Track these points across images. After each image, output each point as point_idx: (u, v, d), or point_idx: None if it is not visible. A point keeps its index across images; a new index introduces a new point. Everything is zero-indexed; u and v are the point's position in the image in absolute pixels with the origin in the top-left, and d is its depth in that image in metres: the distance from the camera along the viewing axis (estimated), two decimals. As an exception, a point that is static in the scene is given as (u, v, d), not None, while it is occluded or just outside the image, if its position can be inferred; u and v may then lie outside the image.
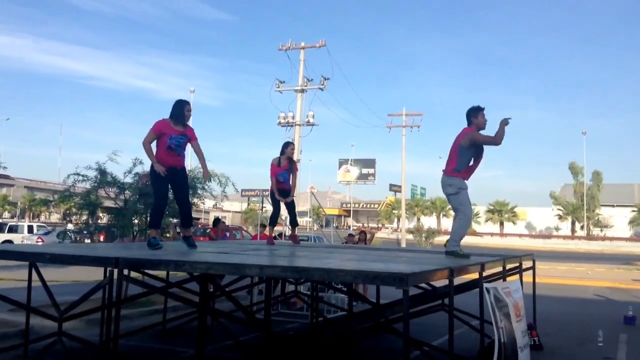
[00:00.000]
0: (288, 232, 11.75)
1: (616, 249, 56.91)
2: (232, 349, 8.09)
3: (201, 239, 26.92)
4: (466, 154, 7.29)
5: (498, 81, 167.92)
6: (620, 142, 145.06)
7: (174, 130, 7.20)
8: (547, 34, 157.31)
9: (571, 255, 45.26)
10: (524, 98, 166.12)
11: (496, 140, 7.20)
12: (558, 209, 74.68)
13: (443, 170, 7.48)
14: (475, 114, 7.40)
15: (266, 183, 10.08)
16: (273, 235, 10.49)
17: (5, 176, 75.91)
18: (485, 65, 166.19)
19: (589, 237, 69.06)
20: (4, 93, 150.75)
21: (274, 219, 10.19)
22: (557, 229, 76.41)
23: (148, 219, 12.85)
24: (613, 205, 76.76)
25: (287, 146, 9.85)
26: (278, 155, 9.75)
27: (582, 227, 72.74)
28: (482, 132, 7.36)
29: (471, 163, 7.47)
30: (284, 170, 9.73)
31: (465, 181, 7.39)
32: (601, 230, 74.07)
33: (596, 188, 73.35)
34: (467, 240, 8.14)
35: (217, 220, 16.84)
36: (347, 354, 8.52)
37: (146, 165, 12.52)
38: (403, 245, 43.79)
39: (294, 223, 10.33)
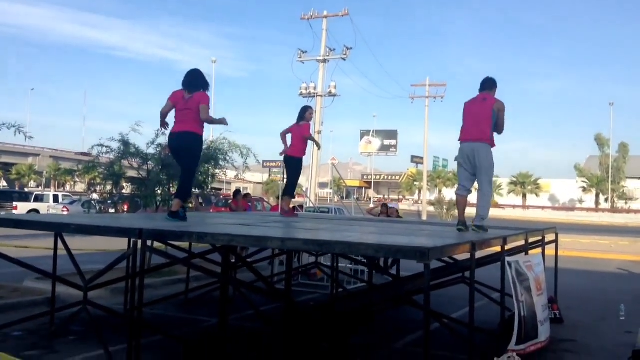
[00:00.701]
0: (309, 203, 11.75)
1: (641, 222, 56.23)
2: (253, 319, 8.19)
3: (222, 209, 27.14)
4: (493, 121, 7.17)
5: (523, 49, 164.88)
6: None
7: None
8: (574, 2, 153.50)
9: (595, 228, 44.83)
10: (549, 66, 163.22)
11: (502, 129, 7.26)
12: (582, 181, 73.84)
13: (476, 137, 7.20)
14: (495, 87, 7.43)
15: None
16: (293, 206, 10.41)
17: (86, 153, 76.95)
18: (511, 33, 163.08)
19: (613, 209, 68.29)
20: (29, 63, 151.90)
21: (294, 187, 10.08)
22: (580, 201, 75.63)
23: (171, 189, 13.01)
24: (639, 178, 75.66)
25: (307, 110, 9.88)
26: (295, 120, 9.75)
27: (606, 200, 71.92)
28: None
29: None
30: None
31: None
32: (626, 203, 73.18)
33: (622, 160, 72.30)
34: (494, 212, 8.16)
35: (237, 192, 16.93)
36: (368, 325, 8.58)
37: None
38: (424, 217, 43.70)
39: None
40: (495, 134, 7.28)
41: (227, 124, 7.50)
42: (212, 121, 7.34)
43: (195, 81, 7.20)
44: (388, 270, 11.16)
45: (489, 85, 7.44)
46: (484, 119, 7.15)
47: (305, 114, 9.77)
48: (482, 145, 7.15)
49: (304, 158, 10.11)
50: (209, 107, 7.11)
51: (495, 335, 7.15)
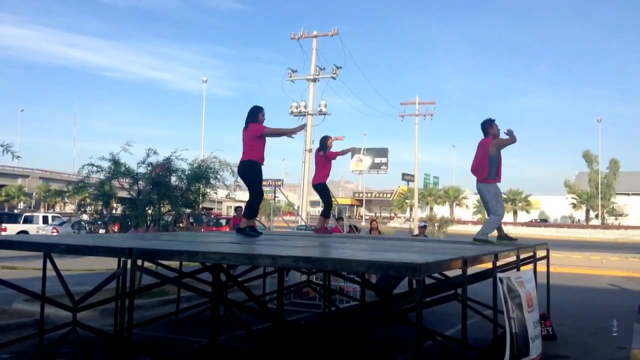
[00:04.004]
0: (301, 222, 11.82)
1: (631, 238, 56.28)
2: (245, 339, 8.13)
3: (214, 229, 27.02)
4: (494, 161, 8.29)
5: (513, 67, 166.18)
6: (637, 129, 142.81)
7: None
8: (561, 19, 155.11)
9: (585, 244, 44.93)
10: (538, 84, 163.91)
11: (514, 140, 8.32)
12: (572, 198, 74.09)
13: (478, 179, 8.43)
14: (490, 125, 8.44)
15: (277, 173, 10.17)
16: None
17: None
18: (500, 51, 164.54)
19: (604, 225, 68.51)
20: (18, 84, 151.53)
21: (328, 209, 10.59)
22: (571, 217, 75.86)
23: (161, 209, 12.97)
24: (628, 194, 76.08)
25: (327, 139, 10.27)
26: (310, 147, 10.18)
27: (596, 216, 72.17)
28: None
29: (498, 165, 8.38)
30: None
31: (498, 184, 8.41)
32: (616, 219, 73.46)
33: (612, 176, 72.57)
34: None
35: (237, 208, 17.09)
36: (360, 344, 8.53)
37: (160, 156, 12.61)
38: (415, 234, 43.61)
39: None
40: (498, 169, 8.40)
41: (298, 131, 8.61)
42: (272, 133, 8.15)
43: (248, 116, 8.11)
44: (392, 290, 11.18)
45: (484, 129, 8.51)
46: (482, 163, 8.35)
47: (326, 142, 10.13)
48: (482, 186, 8.39)
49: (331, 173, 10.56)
50: (262, 127, 7.98)
51: (489, 352, 7.12)
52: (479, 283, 7.17)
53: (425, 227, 16.09)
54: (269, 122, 8.29)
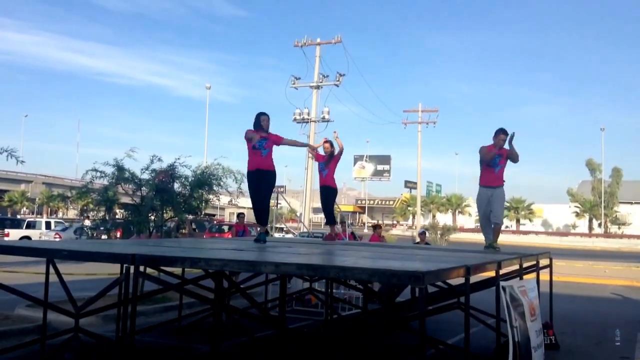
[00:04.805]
0: (303, 228, 11.77)
1: (634, 247, 56.11)
2: (247, 346, 8.11)
3: (216, 235, 27.00)
4: (481, 167, 9.01)
5: (516, 75, 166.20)
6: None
7: (257, 136, 8.26)
8: (565, 28, 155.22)
9: (588, 253, 44.82)
10: (542, 92, 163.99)
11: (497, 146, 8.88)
12: (575, 206, 73.91)
13: None
14: (495, 135, 8.92)
15: (280, 180, 10.18)
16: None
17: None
18: (504, 60, 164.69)
19: (607, 234, 68.30)
20: (22, 90, 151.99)
21: (329, 215, 10.43)
22: (574, 226, 75.67)
23: (164, 215, 12.99)
24: (631, 203, 75.87)
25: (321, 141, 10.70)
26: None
27: (599, 225, 71.96)
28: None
29: (482, 170, 9.00)
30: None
31: (483, 187, 9.01)
32: (619, 228, 73.24)
33: (616, 185, 72.38)
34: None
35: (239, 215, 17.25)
36: (362, 352, 8.51)
37: (164, 163, 12.64)
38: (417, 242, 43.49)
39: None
40: (481, 175, 9.14)
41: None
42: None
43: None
44: (394, 298, 11.17)
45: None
46: None
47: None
48: None
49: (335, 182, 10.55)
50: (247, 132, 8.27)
51: (491, 361, 7.09)
52: (481, 291, 7.15)
53: (424, 233, 16.52)
54: (273, 128, 8.33)
